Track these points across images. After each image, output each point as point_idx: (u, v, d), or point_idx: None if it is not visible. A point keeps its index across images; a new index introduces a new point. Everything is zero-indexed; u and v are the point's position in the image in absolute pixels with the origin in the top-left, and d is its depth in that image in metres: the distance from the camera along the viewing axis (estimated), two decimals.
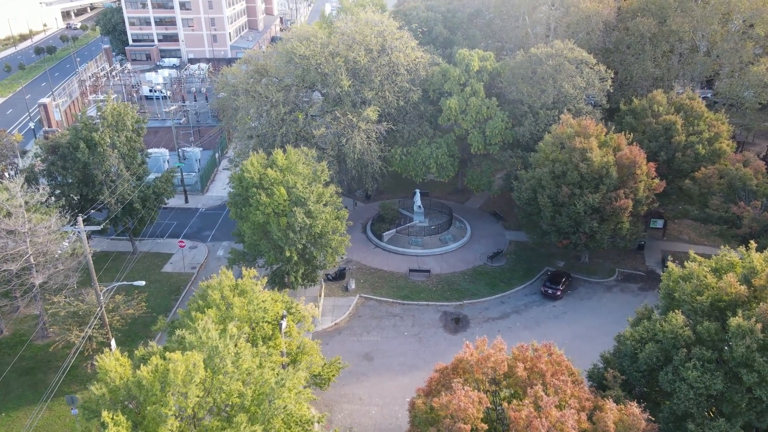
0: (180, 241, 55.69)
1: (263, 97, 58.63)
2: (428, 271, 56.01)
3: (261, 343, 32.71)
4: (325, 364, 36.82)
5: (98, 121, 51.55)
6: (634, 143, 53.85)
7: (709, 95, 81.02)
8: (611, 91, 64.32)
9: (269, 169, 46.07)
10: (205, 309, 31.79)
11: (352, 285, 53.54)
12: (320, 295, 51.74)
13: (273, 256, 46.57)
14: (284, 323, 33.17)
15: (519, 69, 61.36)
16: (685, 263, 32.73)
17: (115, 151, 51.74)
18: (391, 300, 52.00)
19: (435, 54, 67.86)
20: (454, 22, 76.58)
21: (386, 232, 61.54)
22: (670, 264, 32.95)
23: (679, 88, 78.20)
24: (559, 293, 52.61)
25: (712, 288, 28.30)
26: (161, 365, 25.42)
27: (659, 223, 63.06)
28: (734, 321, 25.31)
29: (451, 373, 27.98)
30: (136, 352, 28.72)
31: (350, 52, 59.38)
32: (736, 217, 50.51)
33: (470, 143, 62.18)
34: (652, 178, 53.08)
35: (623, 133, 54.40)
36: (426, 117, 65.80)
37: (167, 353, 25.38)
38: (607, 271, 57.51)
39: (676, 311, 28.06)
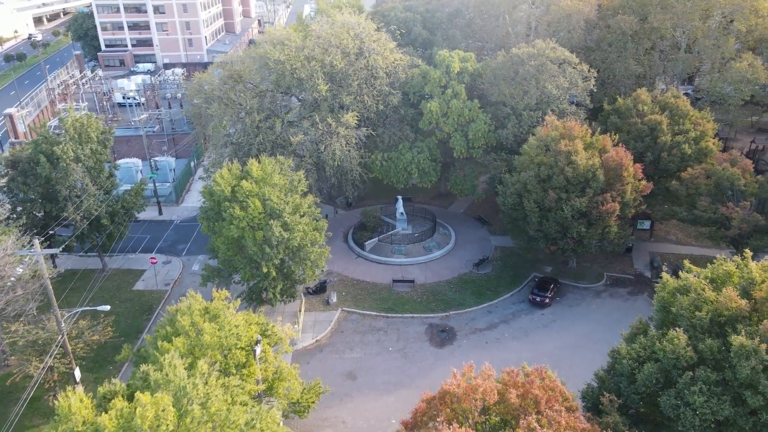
0: (152, 258, 53.08)
1: (237, 105, 56.32)
2: (412, 281, 54.12)
3: (234, 371, 30.57)
4: (304, 389, 34.74)
5: (60, 133, 48.80)
6: (620, 144, 52.54)
7: (690, 92, 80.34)
8: (594, 90, 63.04)
9: (243, 180, 43.84)
10: (173, 337, 29.56)
11: (334, 298, 51.45)
12: (300, 310, 49.57)
13: (249, 272, 44.34)
14: (258, 349, 31.02)
15: (500, 70, 59.75)
16: (680, 273, 31.20)
17: (80, 164, 49.08)
18: (375, 313, 50.01)
19: (414, 56, 66.07)
20: (434, 23, 74.86)
21: (368, 241, 59.55)
22: (664, 275, 31.40)
23: (661, 85, 77.36)
24: (547, 301, 51.04)
25: (711, 302, 26.72)
26: (126, 409, 23.17)
27: (646, 224, 61.86)
28: (737, 341, 23.74)
29: (438, 403, 26.07)
30: (99, 388, 26.35)
31: (326, 56, 57.30)
32: (725, 218, 49.37)
33: (453, 147, 60.46)
34: (639, 180, 51.77)
35: (609, 134, 53.00)
36: (407, 120, 63.95)
37: (136, 394, 23.08)
38: (595, 275, 56.10)
39: (678, 330, 26.39)
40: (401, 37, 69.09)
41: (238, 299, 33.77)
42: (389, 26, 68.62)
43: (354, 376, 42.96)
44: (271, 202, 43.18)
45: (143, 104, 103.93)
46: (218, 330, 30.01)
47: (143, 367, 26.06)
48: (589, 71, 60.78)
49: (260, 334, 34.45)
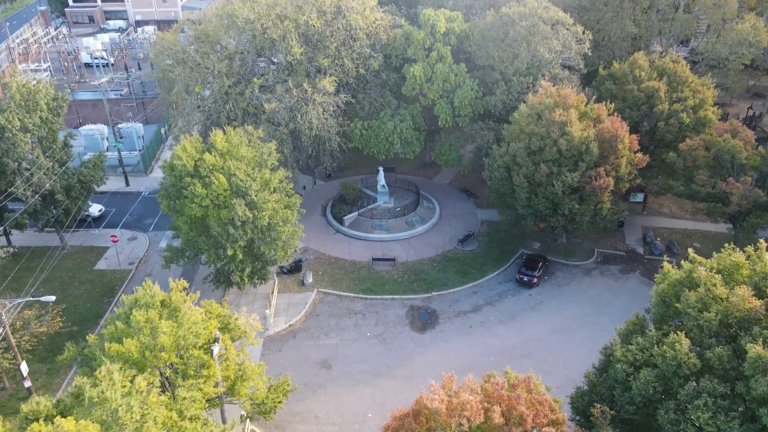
0: (112, 236, 49.23)
1: (204, 68, 51.71)
2: (393, 259, 51.07)
3: (192, 373, 27.52)
4: (271, 386, 31.88)
5: (4, 101, 44.24)
6: (615, 113, 49.00)
7: (685, 54, 76.48)
8: (588, 53, 59.06)
9: (207, 154, 39.96)
10: (124, 338, 26.29)
11: (309, 279, 48.34)
12: (273, 292, 46.42)
13: (214, 254, 40.96)
14: (216, 349, 27.93)
15: (489, 31, 55.40)
16: (683, 263, 28.33)
17: (28, 135, 44.72)
18: (353, 295, 47.05)
19: (397, 15, 61.34)
20: None
21: (347, 216, 56.14)
22: (665, 264, 28.51)
23: (657, 47, 73.35)
24: (535, 281, 48.33)
25: (722, 301, 23.86)
26: None
27: (639, 197, 58.95)
28: (753, 351, 20.95)
29: (413, 421, 23.18)
30: (23, 406, 23.18)
31: (301, 14, 52.58)
32: (724, 194, 46.53)
33: (437, 115, 56.61)
34: (635, 152, 48.56)
35: (604, 102, 49.38)
36: (389, 86, 59.72)
37: (56, 419, 19.94)
38: (585, 252, 53.41)
39: (679, 334, 23.55)
40: None
41: (198, 292, 30.45)
42: None
43: (329, 365, 40.25)
44: (236, 179, 39.46)
45: (112, 65, 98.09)
46: (176, 328, 26.78)
47: (78, 380, 22.85)
48: (583, 33, 56.67)
49: (221, 328, 31.38)
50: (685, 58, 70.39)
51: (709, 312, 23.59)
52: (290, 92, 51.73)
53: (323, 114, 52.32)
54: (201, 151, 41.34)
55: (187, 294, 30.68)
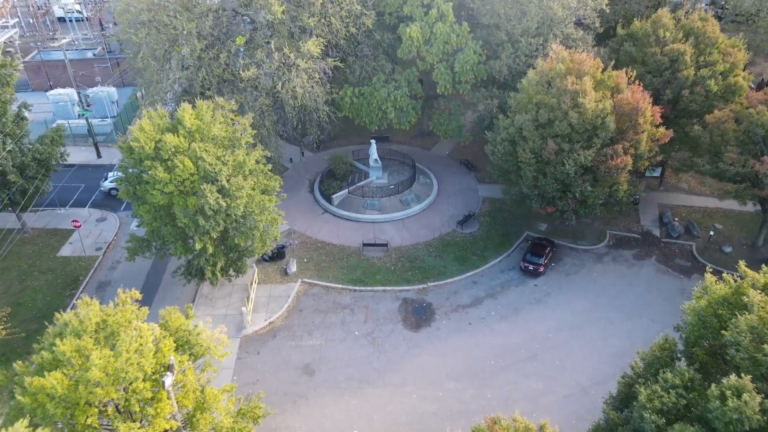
0: (74, 221, 44.51)
1: (171, 29, 45.73)
2: (386, 244, 46.53)
3: (138, 409, 23.42)
4: (241, 410, 27.86)
5: None
6: (636, 81, 43.34)
7: (704, 5, 69.62)
8: (606, 10, 52.79)
9: (168, 134, 34.80)
10: (47, 372, 22.09)
11: (293, 267, 43.94)
12: (252, 283, 42.11)
13: (181, 246, 36.41)
14: (168, 380, 23.74)
15: None
16: (724, 276, 23.74)
17: None
18: (340, 286, 42.74)
19: None
20: None
21: (336, 194, 51.25)
22: (708, 277, 23.89)
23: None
24: (541, 269, 43.90)
25: None
26: None
27: (656, 172, 53.94)
28: None
29: None
30: None
31: None
32: (756, 175, 41.49)
33: (436, 81, 50.91)
34: (656, 126, 43.23)
35: (624, 70, 43.61)
36: (382, 48, 53.75)
37: None
38: (596, 234, 48.79)
39: (743, 378, 18.80)
40: None
41: (146, 307, 26.06)
42: None
43: (311, 370, 36.29)
44: (204, 163, 34.46)
45: (87, 20, 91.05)
46: (114, 358, 22.48)
47: None
48: None
49: (181, 345, 27.13)
50: (704, 11, 63.98)
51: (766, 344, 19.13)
52: (271, 57, 45.98)
53: (308, 82, 46.71)
54: (166, 129, 36.16)
55: (139, 307, 26.37)
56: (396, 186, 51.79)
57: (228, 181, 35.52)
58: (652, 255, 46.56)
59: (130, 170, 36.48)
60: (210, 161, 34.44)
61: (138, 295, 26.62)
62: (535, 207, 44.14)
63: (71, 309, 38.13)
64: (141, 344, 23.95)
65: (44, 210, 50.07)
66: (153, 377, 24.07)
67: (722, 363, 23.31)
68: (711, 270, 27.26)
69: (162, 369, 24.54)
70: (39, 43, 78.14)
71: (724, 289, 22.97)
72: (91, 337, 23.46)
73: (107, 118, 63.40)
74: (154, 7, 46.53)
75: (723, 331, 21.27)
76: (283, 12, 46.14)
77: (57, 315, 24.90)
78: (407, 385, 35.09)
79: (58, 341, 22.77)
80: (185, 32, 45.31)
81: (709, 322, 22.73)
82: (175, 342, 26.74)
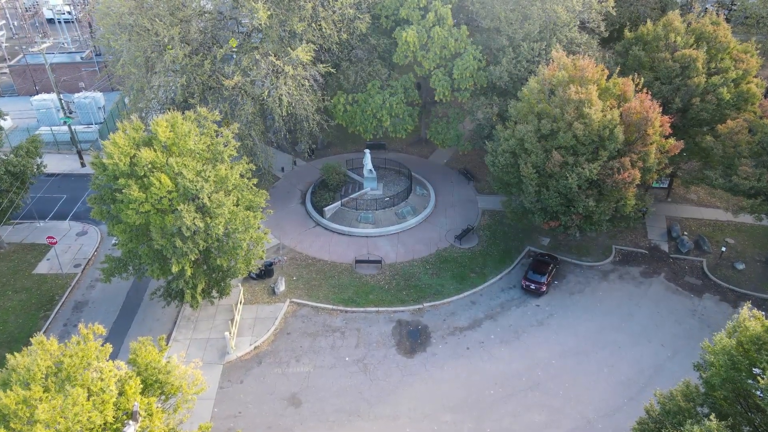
0: (49, 237, 42.16)
1: (153, 35, 43.36)
2: (380, 261, 44.14)
3: None
4: None
5: None
6: (644, 90, 40.91)
7: (710, 5, 67.14)
8: (612, 12, 50.31)
9: (144, 149, 32.47)
10: None
11: (282, 286, 41.58)
12: (238, 304, 39.79)
13: (158, 269, 34.06)
14: (131, 429, 21.44)
15: None
16: (754, 312, 21.36)
17: None
18: (331, 306, 40.37)
19: None
20: None
21: (328, 207, 48.87)
22: (743, 313, 21.51)
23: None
24: (543, 288, 41.51)
25: None
26: None
27: (664, 182, 51.53)
28: None
29: None
30: None
31: None
32: None
33: (434, 87, 48.53)
34: (666, 137, 40.81)
35: (630, 77, 41.18)
36: (377, 53, 51.34)
37: None
38: (601, 249, 46.39)
39: None
40: None
41: (108, 344, 23.77)
42: None
43: (298, 400, 33.92)
44: (183, 179, 32.12)
45: (77, 21, 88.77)
46: (64, 409, 20.16)
47: None
48: None
49: (150, 384, 24.81)
50: (716, 15, 61.51)
51: None
52: (258, 64, 43.63)
53: (297, 90, 44.32)
54: (142, 142, 33.83)
55: (104, 343, 24.08)
56: (391, 198, 49.38)
57: (209, 198, 33.18)
58: (660, 272, 44.17)
59: (104, 187, 34.11)
60: (190, 177, 32.10)
61: (101, 330, 24.38)
62: (538, 221, 41.75)
63: (42, 333, 35.88)
64: (102, 388, 21.70)
65: (21, 223, 47.79)
66: (114, 426, 21.75)
67: (745, 407, 21.04)
68: (750, 305, 24.23)
69: (125, 417, 22.22)
70: (24, 47, 75.87)
71: (758, 327, 20.58)
72: (41, 385, 21.14)
73: (92, 124, 61.08)
74: (136, 10, 44.17)
75: (759, 377, 18.88)
76: (270, 17, 43.78)
77: (8, 356, 22.56)
78: (400, 418, 32.74)
79: (0, 393, 20.42)
80: (167, 38, 42.94)
81: (740, 363, 20.35)
82: (143, 381, 24.47)
